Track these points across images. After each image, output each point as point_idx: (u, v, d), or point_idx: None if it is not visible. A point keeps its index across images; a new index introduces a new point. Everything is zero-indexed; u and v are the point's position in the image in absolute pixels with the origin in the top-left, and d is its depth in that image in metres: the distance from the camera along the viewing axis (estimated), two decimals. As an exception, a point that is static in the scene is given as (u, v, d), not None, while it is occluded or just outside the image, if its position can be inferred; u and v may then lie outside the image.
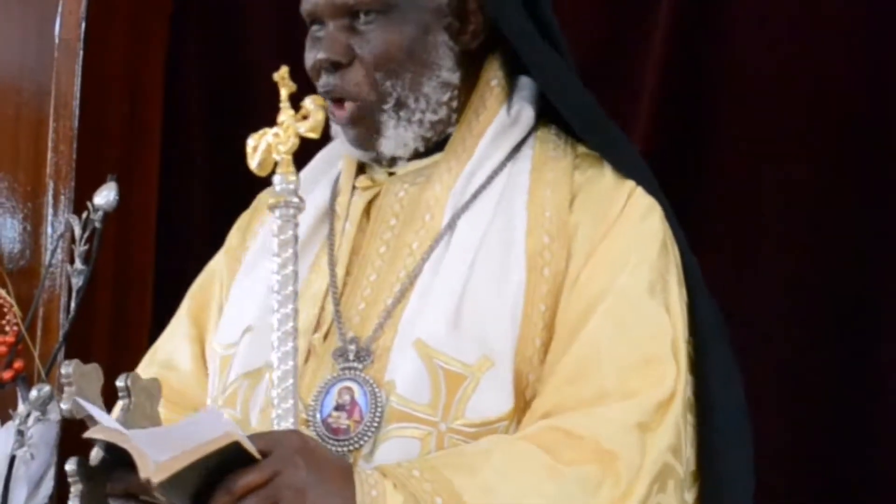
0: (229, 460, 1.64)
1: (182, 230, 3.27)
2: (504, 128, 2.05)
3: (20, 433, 2.73)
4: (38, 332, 2.93)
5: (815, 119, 2.88)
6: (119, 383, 1.71)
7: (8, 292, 2.94)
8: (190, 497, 1.65)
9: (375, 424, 1.86)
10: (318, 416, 1.88)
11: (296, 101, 1.93)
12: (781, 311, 2.88)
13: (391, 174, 2.07)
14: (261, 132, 1.90)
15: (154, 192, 3.20)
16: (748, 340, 2.84)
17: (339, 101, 2.01)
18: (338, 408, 1.88)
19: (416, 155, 2.06)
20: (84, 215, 2.74)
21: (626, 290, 1.91)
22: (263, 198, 2.17)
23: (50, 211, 3.00)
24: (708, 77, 2.97)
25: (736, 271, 2.90)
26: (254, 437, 1.69)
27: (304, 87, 2.00)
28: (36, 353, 2.88)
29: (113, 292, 3.08)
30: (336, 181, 2.11)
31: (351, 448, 1.86)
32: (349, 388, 1.89)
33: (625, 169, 2.03)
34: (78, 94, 3.02)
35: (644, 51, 3.00)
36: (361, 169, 2.11)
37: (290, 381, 1.80)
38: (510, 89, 2.08)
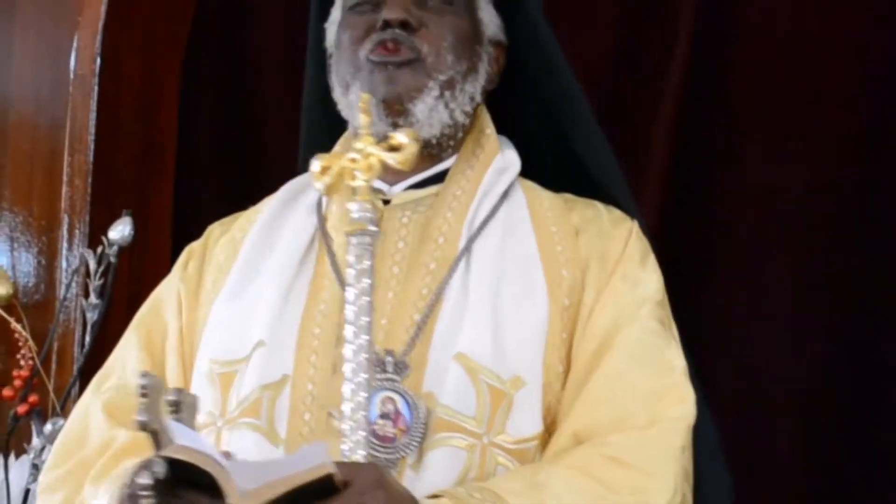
0: (312, 489, 1.64)
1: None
2: (501, 170, 2.14)
3: (35, 467, 2.74)
4: (53, 366, 2.93)
5: (829, 138, 2.91)
6: (169, 398, 1.68)
7: (23, 326, 2.95)
8: None
9: (420, 433, 1.90)
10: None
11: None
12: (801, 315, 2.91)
13: (386, 202, 2.09)
14: (331, 154, 1.88)
15: (168, 227, 3.20)
16: (763, 343, 2.86)
17: (395, 48, 2.05)
18: (383, 416, 1.92)
19: (412, 185, 2.11)
20: (99, 249, 2.76)
21: (641, 322, 2.02)
22: (214, 229, 2.22)
23: (65, 245, 3.01)
24: (728, 87, 3.00)
25: (752, 279, 2.92)
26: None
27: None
28: (51, 387, 2.89)
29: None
30: (318, 207, 2.14)
31: (398, 455, 1.90)
32: (391, 399, 1.92)
33: (621, 205, 2.15)
34: (93, 129, 3.04)
35: (663, 63, 3.02)
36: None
37: (362, 413, 1.78)
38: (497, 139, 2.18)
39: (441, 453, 1.91)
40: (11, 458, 2.82)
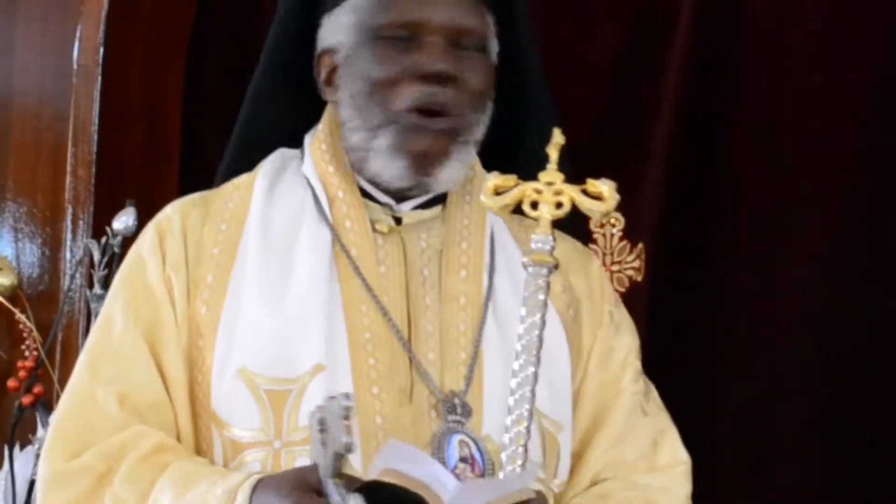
0: None
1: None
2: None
3: (39, 457, 2.73)
4: (58, 357, 2.93)
5: (834, 143, 2.89)
6: (316, 417, 1.67)
7: (27, 317, 2.95)
8: None
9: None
10: (446, 466, 1.86)
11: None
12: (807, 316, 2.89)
13: (397, 220, 2.06)
14: (512, 177, 1.88)
15: (173, 218, 3.20)
16: (775, 344, 2.86)
17: (435, 113, 1.98)
18: (462, 460, 1.89)
19: (419, 205, 2.08)
20: (103, 240, 2.76)
21: (637, 365, 2.11)
22: (189, 211, 2.12)
23: (69, 236, 3.01)
24: (730, 85, 2.98)
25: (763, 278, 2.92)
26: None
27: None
28: (55, 378, 2.89)
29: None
30: (319, 211, 2.06)
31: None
32: (466, 442, 1.90)
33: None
34: (96, 120, 3.03)
35: (666, 60, 3.01)
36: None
37: (522, 444, 1.79)
38: None
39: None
40: (16, 449, 2.82)
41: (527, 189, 1.85)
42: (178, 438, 1.98)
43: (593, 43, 3.06)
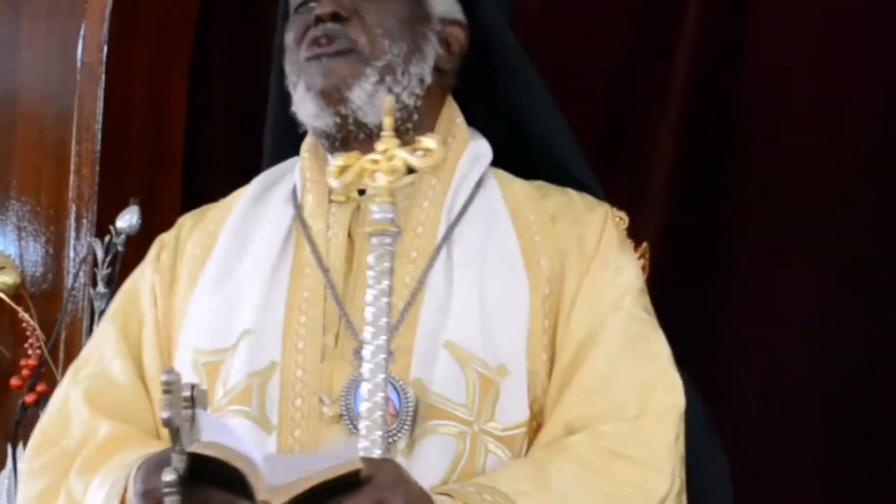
0: (338, 484, 1.66)
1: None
2: (474, 158, 2.14)
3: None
4: (61, 356, 2.93)
5: (845, 139, 2.89)
6: (185, 393, 1.68)
7: (31, 315, 2.95)
8: None
9: (410, 419, 1.91)
10: (351, 409, 1.92)
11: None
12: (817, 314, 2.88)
13: (361, 192, 2.08)
14: (353, 154, 1.89)
15: (176, 215, 3.16)
16: (784, 341, 2.86)
17: (328, 41, 2.06)
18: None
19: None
20: (106, 238, 2.75)
21: (627, 309, 2.03)
22: (185, 221, 2.25)
23: (72, 234, 3.01)
24: (738, 79, 2.98)
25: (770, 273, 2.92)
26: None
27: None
28: (58, 377, 2.88)
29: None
30: (294, 196, 2.15)
31: (389, 440, 1.88)
32: None
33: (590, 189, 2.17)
34: (100, 118, 3.03)
35: (675, 49, 3.01)
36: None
37: (380, 412, 1.79)
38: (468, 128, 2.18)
39: (432, 440, 1.92)
40: (19, 447, 2.81)
41: (364, 163, 1.87)
42: (158, 434, 2.04)
43: (598, 40, 3.06)
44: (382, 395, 1.79)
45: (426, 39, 2.12)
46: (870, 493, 2.85)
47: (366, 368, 1.80)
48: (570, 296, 2.03)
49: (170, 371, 1.67)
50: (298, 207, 2.13)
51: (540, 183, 2.16)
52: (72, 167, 3.04)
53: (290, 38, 2.14)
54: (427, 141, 1.87)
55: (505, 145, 2.19)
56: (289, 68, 2.14)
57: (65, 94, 3.09)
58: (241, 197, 2.20)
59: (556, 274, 2.04)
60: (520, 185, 2.14)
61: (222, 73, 3.30)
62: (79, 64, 3.07)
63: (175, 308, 2.12)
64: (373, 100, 2.06)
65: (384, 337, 1.80)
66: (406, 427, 1.91)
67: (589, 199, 2.15)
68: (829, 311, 2.88)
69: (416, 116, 2.11)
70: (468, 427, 1.93)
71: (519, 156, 2.20)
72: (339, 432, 1.92)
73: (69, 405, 2.08)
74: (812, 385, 2.87)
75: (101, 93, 3.04)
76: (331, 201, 2.11)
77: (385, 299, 1.81)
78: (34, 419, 2.83)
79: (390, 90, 2.06)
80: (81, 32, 3.07)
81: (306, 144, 2.18)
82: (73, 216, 3.01)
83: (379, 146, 1.87)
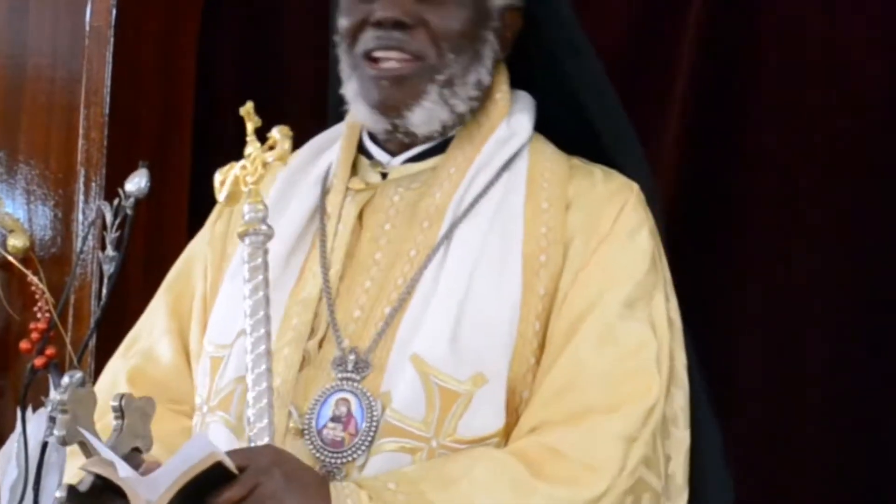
0: (212, 480, 1.68)
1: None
2: (503, 140, 2.07)
3: (52, 419, 2.72)
4: (70, 319, 2.93)
5: (849, 125, 2.87)
6: (113, 403, 1.72)
7: (40, 279, 2.95)
8: None
9: (370, 438, 1.88)
10: (313, 425, 1.90)
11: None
12: (817, 310, 2.87)
13: (384, 175, 2.07)
14: (228, 167, 1.95)
15: (186, 179, 3.19)
16: (786, 338, 2.84)
17: (393, 50, 2.00)
18: (334, 419, 1.90)
19: (411, 158, 2.07)
20: (115, 202, 2.74)
21: (609, 306, 1.95)
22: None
23: (81, 198, 3.01)
24: (745, 60, 2.97)
25: (772, 269, 2.90)
26: (231, 454, 1.71)
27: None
28: (68, 340, 2.89)
29: (144, 279, 3.07)
30: (325, 178, 2.11)
31: (345, 460, 1.88)
32: (346, 400, 1.91)
33: (630, 174, 2.08)
34: (108, 82, 3.02)
35: (678, 33, 2.99)
36: (353, 169, 2.11)
37: (265, 400, 1.83)
38: (510, 102, 2.11)
39: (383, 458, 1.88)
40: (29, 411, 2.82)
41: (237, 172, 1.93)
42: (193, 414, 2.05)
43: (605, 17, 3.04)
44: (266, 384, 1.83)
45: (485, 42, 2.06)
46: (873, 460, 2.85)
47: (249, 359, 1.85)
48: (564, 292, 1.96)
49: (64, 390, 1.70)
50: (324, 191, 2.09)
51: (576, 160, 2.10)
52: (80, 131, 3.04)
53: (344, 23, 2.06)
54: (274, 133, 1.93)
55: (553, 113, 2.13)
56: (342, 55, 2.08)
57: (74, 57, 3.08)
58: (290, 162, 2.10)
59: (556, 269, 1.97)
60: (553, 164, 2.07)
61: (233, 36, 3.29)
62: (87, 28, 3.06)
63: (217, 286, 2.10)
64: (430, 117, 2.02)
65: (263, 329, 1.85)
66: (366, 445, 1.88)
67: (615, 183, 2.07)
68: (846, 284, 2.86)
69: (468, 117, 2.07)
70: (424, 443, 1.88)
71: (565, 126, 2.14)
72: (301, 447, 1.89)
73: (116, 383, 2.08)
74: (826, 366, 2.85)
75: (109, 56, 3.03)
76: (348, 189, 2.08)
77: (261, 293, 1.88)
78: (43, 382, 2.84)
79: (447, 102, 2.02)
80: (90, -4, 3.06)
81: (350, 119, 2.13)
82: (81, 180, 3.01)
83: (246, 150, 1.93)
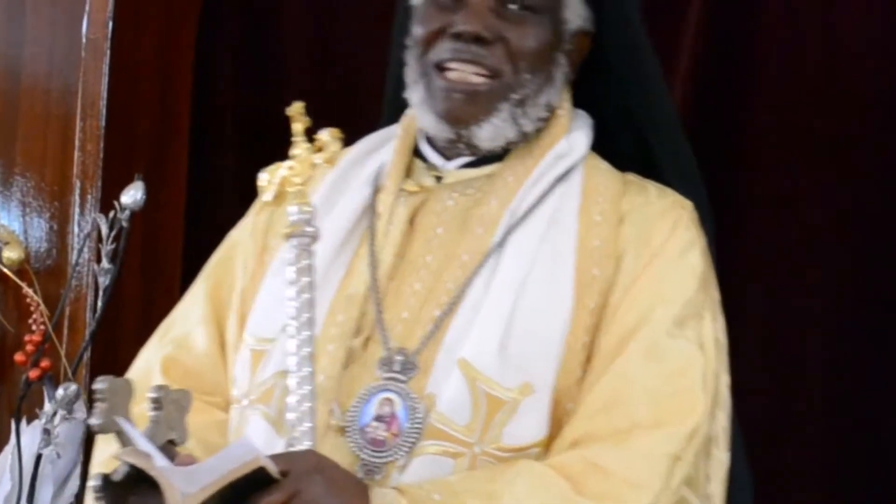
0: (252, 483, 1.67)
1: (210, 229, 3.26)
2: (560, 154, 2.07)
3: (47, 432, 2.73)
4: (65, 331, 2.92)
5: (850, 120, 2.87)
6: (151, 395, 1.71)
7: (35, 291, 2.94)
8: None
9: (412, 440, 1.88)
10: (356, 423, 1.90)
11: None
12: (819, 314, 2.87)
13: (438, 179, 2.07)
14: (274, 166, 1.93)
15: (182, 191, 3.19)
16: (786, 338, 2.84)
17: (470, 63, 2.00)
18: (377, 418, 1.90)
19: (467, 163, 2.07)
20: (111, 214, 2.75)
21: (659, 323, 1.94)
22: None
23: (77, 210, 3.00)
24: (745, 60, 2.97)
25: (772, 270, 2.90)
26: (272, 458, 1.71)
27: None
28: (63, 352, 2.88)
29: (140, 291, 3.08)
30: (376, 178, 2.11)
31: (385, 460, 1.88)
32: (390, 400, 1.91)
33: (685, 194, 2.08)
34: (105, 93, 3.02)
35: (677, 33, 3.00)
36: (407, 171, 2.11)
37: (308, 404, 1.82)
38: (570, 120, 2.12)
39: (426, 460, 1.88)
40: (23, 423, 2.81)
41: (284, 172, 1.92)
42: (227, 405, 2.06)
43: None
44: (310, 388, 1.81)
45: (557, 65, 2.07)
46: (873, 460, 2.84)
47: (292, 361, 1.83)
48: (613, 307, 1.96)
49: (102, 379, 1.67)
50: (375, 190, 2.09)
51: (631, 177, 2.09)
52: (76, 143, 3.03)
53: (419, 30, 2.06)
54: (322, 135, 1.91)
55: (610, 132, 2.13)
56: (411, 61, 2.07)
57: (69, 69, 3.07)
58: (340, 161, 2.11)
59: (607, 283, 1.97)
60: (607, 179, 2.07)
61: (229, 48, 3.29)
62: (84, 39, 3.06)
63: (258, 279, 2.09)
64: (497, 133, 2.03)
65: (308, 332, 1.84)
66: (408, 446, 1.88)
67: (668, 199, 2.06)
68: (843, 283, 2.86)
69: (531, 136, 2.07)
70: (467, 449, 1.88)
71: (622, 144, 2.14)
72: (342, 444, 1.90)
73: (150, 371, 2.08)
74: (823, 356, 2.85)
75: (105, 68, 3.03)
76: (402, 190, 2.08)
77: (306, 295, 1.86)
78: (38, 395, 2.83)
79: (516, 121, 2.03)
80: (86, 7, 3.05)
81: (406, 121, 2.13)
82: (77, 192, 3.00)
83: (293, 151, 1.90)
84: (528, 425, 1.89)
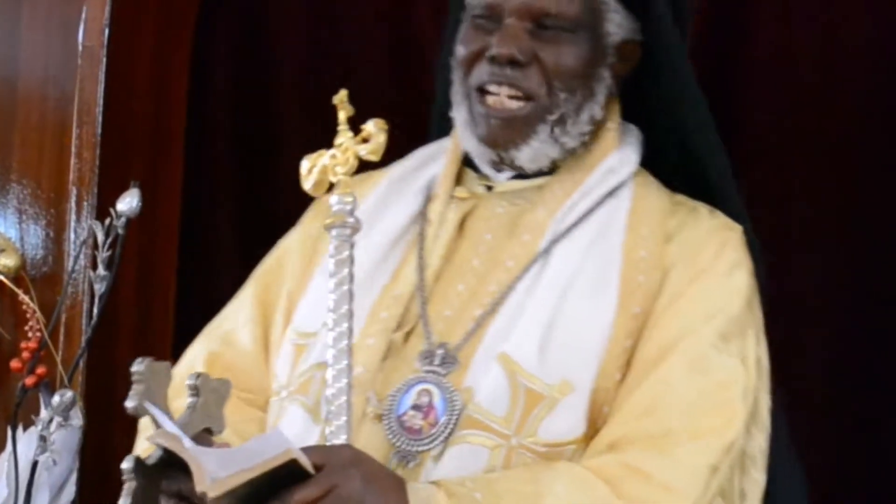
0: (282, 474, 1.67)
1: (205, 236, 3.27)
2: (611, 169, 2.09)
3: (42, 439, 2.73)
4: (61, 338, 2.92)
5: (848, 120, 2.88)
6: (189, 382, 1.73)
7: (31, 298, 2.94)
8: None
9: (449, 430, 1.90)
10: (393, 412, 1.93)
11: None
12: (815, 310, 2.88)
13: (489, 188, 2.11)
14: (317, 154, 1.92)
15: (177, 198, 3.20)
16: (786, 338, 2.85)
17: (506, 85, 2.03)
18: (415, 407, 1.92)
19: (518, 175, 2.10)
20: (107, 221, 2.75)
21: (704, 336, 1.96)
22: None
23: (73, 217, 3.00)
24: (734, 75, 2.97)
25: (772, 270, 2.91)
26: (307, 451, 1.71)
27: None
28: (58, 359, 2.88)
29: (136, 298, 3.08)
30: (429, 186, 2.15)
31: (421, 449, 1.90)
32: (428, 391, 1.94)
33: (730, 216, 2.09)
34: (101, 101, 3.02)
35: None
36: (458, 179, 2.14)
37: (344, 398, 1.82)
38: (620, 134, 2.14)
39: (462, 449, 1.90)
40: (19, 430, 2.81)
41: (326, 161, 1.90)
42: (266, 405, 2.08)
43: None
44: (346, 381, 1.81)
45: (599, 80, 2.09)
46: (873, 460, 2.85)
47: (329, 354, 1.83)
48: (658, 314, 1.98)
49: (139, 361, 1.69)
50: (427, 198, 2.13)
51: (680, 197, 2.12)
52: (73, 150, 3.03)
53: (461, 51, 2.09)
54: (369, 126, 1.90)
55: (662, 150, 2.15)
56: (456, 82, 2.11)
57: (66, 77, 3.07)
58: (392, 171, 2.17)
59: (652, 293, 1.99)
60: (656, 197, 2.09)
61: (225, 57, 3.29)
62: (80, 47, 3.06)
63: (307, 280, 2.12)
64: (537, 155, 2.06)
65: (346, 324, 1.83)
66: (443, 436, 1.90)
67: (719, 220, 2.09)
68: (843, 283, 2.87)
69: (580, 150, 2.10)
70: (504, 440, 1.90)
71: (673, 164, 2.15)
72: (378, 432, 1.92)
73: (193, 366, 2.11)
74: (823, 356, 2.86)
75: (102, 76, 3.03)
76: (453, 197, 2.12)
77: (345, 287, 1.85)
78: (34, 402, 2.83)
79: (557, 141, 2.06)
80: (83, 16, 3.05)
81: (456, 134, 2.16)
82: (73, 199, 3.00)
83: (337, 140, 1.89)
84: (566, 422, 1.92)
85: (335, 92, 2.04)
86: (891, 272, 2.86)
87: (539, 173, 2.09)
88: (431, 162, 2.18)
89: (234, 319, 2.19)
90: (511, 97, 2.03)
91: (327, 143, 1.97)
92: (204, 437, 1.72)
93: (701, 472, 1.88)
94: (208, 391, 1.73)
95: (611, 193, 2.08)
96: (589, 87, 2.07)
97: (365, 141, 1.90)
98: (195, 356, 2.17)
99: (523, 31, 2.04)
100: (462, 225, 2.09)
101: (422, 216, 2.11)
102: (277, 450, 1.66)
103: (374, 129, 1.90)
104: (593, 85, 2.08)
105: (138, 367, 1.68)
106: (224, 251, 3.28)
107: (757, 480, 1.99)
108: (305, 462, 1.68)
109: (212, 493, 1.60)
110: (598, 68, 2.08)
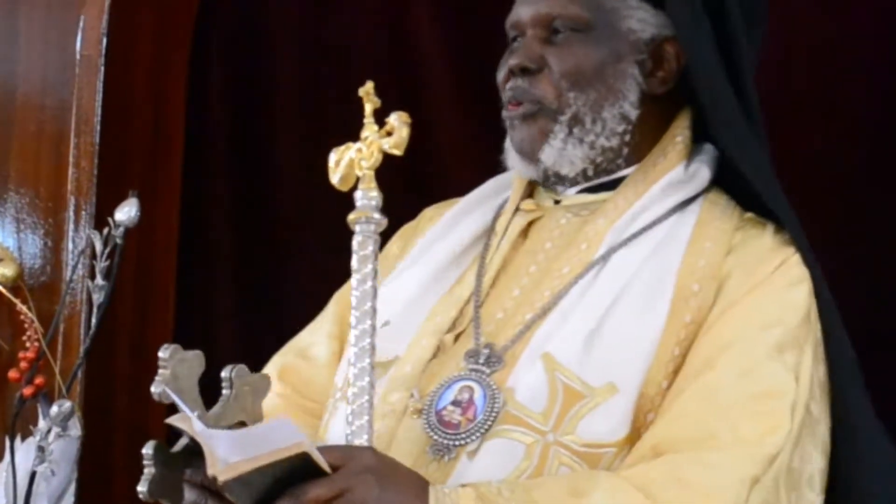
0: (299, 470, 1.66)
1: (203, 245, 3.27)
2: (678, 182, 2.10)
3: (41, 449, 2.72)
4: (59, 348, 2.92)
5: (848, 124, 2.88)
6: (224, 374, 1.74)
7: (29, 308, 2.94)
8: (255, 500, 1.68)
9: (487, 426, 1.90)
10: (433, 406, 1.94)
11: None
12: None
13: (557, 202, 2.14)
14: (344, 147, 1.90)
15: (176, 207, 3.20)
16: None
17: (517, 103, 2.10)
18: (454, 403, 1.93)
19: (587, 189, 2.13)
20: (105, 231, 2.74)
21: (757, 344, 1.95)
22: (427, 213, 2.29)
23: (71, 227, 3.00)
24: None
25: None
26: (326, 450, 1.71)
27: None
28: (57, 369, 2.88)
29: (134, 308, 3.08)
30: (501, 206, 2.19)
31: (457, 443, 1.90)
32: (470, 388, 1.95)
33: (793, 237, 2.07)
34: (99, 110, 3.02)
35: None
36: (530, 195, 2.18)
37: (366, 397, 1.79)
38: (691, 149, 2.14)
39: (498, 444, 1.90)
40: (17, 440, 2.80)
41: (353, 154, 1.88)
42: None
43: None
44: (368, 380, 1.79)
45: (623, 77, 2.10)
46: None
47: (351, 352, 1.80)
48: (712, 321, 1.96)
49: (166, 348, 1.70)
50: (498, 215, 2.18)
51: (751, 215, 2.11)
52: (70, 159, 3.03)
53: (499, 77, 2.16)
54: (393, 119, 1.88)
55: (738, 171, 2.12)
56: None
57: (64, 86, 3.07)
58: (471, 194, 2.25)
59: (707, 300, 1.97)
60: (724, 213, 2.09)
61: (223, 65, 3.29)
62: (78, 56, 3.06)
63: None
64: (562, 155, 2.09)
65: (369, 322, 1.81)
66: (480, 432, 1.90)
67: (784, 238, 2.07)
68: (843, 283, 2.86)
69: (626, 150, 2.11)
70: (540, 436, 1.90)
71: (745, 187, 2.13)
72: (416, 425, 1.93)
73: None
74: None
75: (100, 85, 3.03)
76: (518, 209, 2.16)
77: (369, 283, 1.82)
78: (32, 412, 2.83)
79: (581, 140, 2.08)
80: (80, 24, 3.06)
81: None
82: (71, 208, 3.00)
83: (363, 133, 1.88)
84: (607, 424, 1.91)
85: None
86: (892, 272, 2.85)
87: (605, 187, 2.12)
88: (508, 186, 2.23)
89: (313, 334, 2.25)
90: (520, 113, 2.09)
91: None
92: (238, 429, 1.73)
93: (741, 483, 1.84)
94: (244, 385, 1.74)
95: (678, 208, 2.08)
96: (607, 85, 2.09)
97: (389, 134, 1.88)
98: (270, 368, 2.22)
99: (537, 41, 2.10)
100: (525, 235, 2.14)
101: (490, 230, 2.17)
102: (288, 440, 1.65)
103: (398, 122, 1.87)
104: (613, 82, 2.09)
105: (164, 353, 1.69)
106: (223, 261, 3.28)
107: (812, 501, 1.96)
108: (319, 459, 1.67)
109: (222, 477, 1.60)
110: (619, 65, 2.10)
